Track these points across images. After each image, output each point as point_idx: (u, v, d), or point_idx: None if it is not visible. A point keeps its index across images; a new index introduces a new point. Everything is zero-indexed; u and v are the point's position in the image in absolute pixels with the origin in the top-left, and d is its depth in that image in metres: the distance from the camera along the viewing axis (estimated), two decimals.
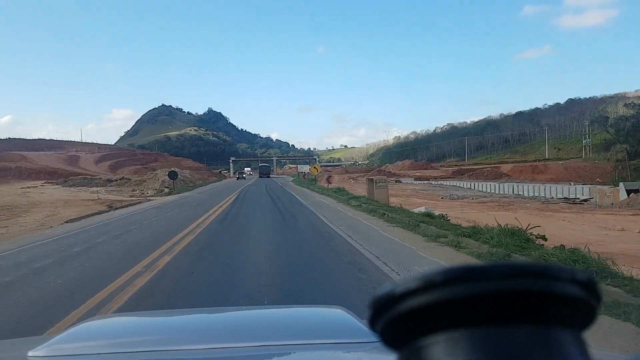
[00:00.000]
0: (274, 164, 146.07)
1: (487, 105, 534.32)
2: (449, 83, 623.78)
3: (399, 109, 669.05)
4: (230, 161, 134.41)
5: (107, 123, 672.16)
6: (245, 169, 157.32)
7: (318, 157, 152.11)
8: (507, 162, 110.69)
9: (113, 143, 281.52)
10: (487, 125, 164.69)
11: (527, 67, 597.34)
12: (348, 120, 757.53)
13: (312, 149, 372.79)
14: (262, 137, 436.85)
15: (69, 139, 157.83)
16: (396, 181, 55.38)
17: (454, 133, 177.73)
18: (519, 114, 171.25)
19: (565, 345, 0.39)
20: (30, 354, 1.32)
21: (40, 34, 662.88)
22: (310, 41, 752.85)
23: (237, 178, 79.37)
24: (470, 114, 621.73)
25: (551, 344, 0.38)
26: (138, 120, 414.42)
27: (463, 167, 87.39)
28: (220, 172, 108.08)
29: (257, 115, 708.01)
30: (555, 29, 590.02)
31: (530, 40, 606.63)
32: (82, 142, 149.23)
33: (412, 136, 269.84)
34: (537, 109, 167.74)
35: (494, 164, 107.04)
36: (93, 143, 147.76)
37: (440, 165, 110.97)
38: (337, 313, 1.76)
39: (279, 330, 1.63)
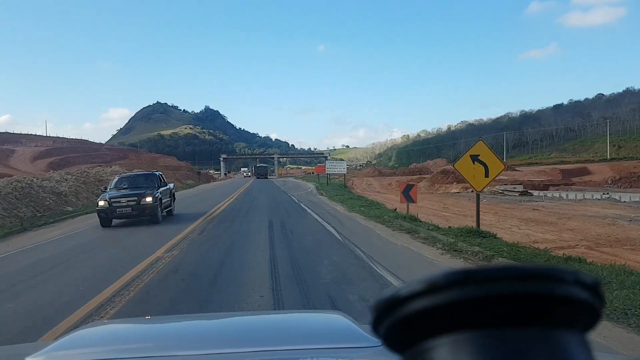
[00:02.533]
0: (276, 163, 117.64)
1: (489, 107, 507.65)
2: (450, 84, 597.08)
3: (398, 110, 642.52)
4: (221, 159, 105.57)
5: (105, 122, 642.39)
6: (242, 169, 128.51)
7: (329, 156, 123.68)
8: (567, 162, 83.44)
9: (104, 142, 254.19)
10: (524, 120, 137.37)
11: (531, 66, 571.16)
12: (347, 121, 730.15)
13: (312, 149, 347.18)
14: (260, 137, 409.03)
15: (36, 133, 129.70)
16: (521, 193, 27.77)
17: (471, 130, 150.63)
18: (559, 107, 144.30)
19: (569, 346, 0.38)
20: None
21: (38, 34, 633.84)
22: (311, 39, 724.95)
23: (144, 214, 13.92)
24: (471, 114, 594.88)
25: (555, 346, 0.37)
26: (131, 118, 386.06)
27: (563, 168, 59.62)
28: (199, 172, 75.59)
29: (255, 115, 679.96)
30: (561, 27, 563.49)
31: (534, 40, 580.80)
32: (45, 137, 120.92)
33: (422, 135, 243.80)
34: (579, 101, 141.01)
35: (558, 163, 79.74)
36: (57, 137, 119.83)
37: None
38: (336, 318, 1.70)
39: (278, 336, 1.58)
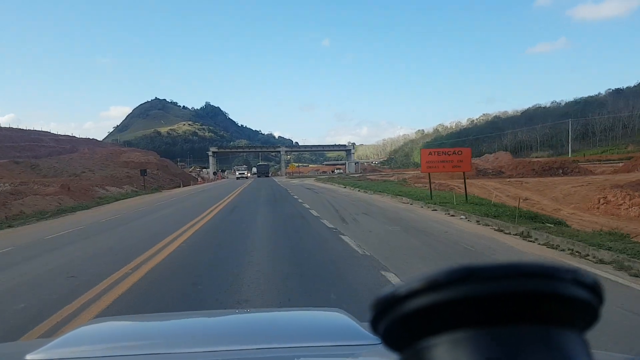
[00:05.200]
0: (282, 160, 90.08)
1: (494, 102, 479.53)
2: (453, 80, 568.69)
3: (402, 107, 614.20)
4: (210, 154, 77.64)
5: (107, 121, 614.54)
6: (236, 167, 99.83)
7: (353, 149, 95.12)
8: None
9: (101, 139, 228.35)
10: (585, 106, 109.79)
11: (538, 61, 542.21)
12: (350, 118, 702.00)
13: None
14: (263, 134, 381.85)
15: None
16: None
17: (515, 120, 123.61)
18: (618, 92, 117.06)
19: (567, 345, 0.37)
20: (27, 357, 1.26)
21: (38, 34, 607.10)
22: (316, 33, 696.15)
23: None
24: (476, 111, 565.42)
25: (554, 345, 0.36)
26: (129, 114, 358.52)
27: None
28: (144, 172, 34.58)
29: (258, 112, 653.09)
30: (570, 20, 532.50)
31: (543, 33, 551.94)
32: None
33: (440, 129, 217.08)
34: None
35: None
36: (10, 128, 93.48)
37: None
38: (336, 316, 1.67)
39: (278, 333, 1.54)
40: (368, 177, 49.15)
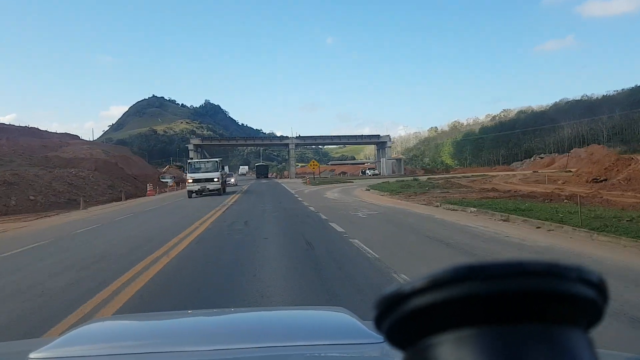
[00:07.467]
0: (290, 158, 68.91)
1: (499, 102, 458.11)
2: (457, 81, 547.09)
3: (403, 107, 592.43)
4: (191, 148, 56.78)
5: (106, 121, 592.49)
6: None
7: (389, 141, 72.95)
8: None
9: (96, 138, 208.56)
10: None
11: (545, 59, 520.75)
12: (353, 119, 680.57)
13: (321, 147, 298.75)
14: (265, 133, 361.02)
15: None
16: None
17: (570, 109, 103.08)
18: None
19: (572, 344, 0.36)
20: (31, 356, 1.24)
21: (37, 32, 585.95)
22: (320, 31, 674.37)
23: None
24: (481, 110, 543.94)
25: (558, 343, 0.35)
26: (125, 112, 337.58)
27: None
28: None
29: (259, 111, 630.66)
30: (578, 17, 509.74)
31: (549, 31, 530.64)
32: None
33: (457, 125, 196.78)
34: None
35: None
36: None
37: None
38: (339, 315, 1.65)
39: (281, 332, 1.51)
40: (457, 181, 28.31)
